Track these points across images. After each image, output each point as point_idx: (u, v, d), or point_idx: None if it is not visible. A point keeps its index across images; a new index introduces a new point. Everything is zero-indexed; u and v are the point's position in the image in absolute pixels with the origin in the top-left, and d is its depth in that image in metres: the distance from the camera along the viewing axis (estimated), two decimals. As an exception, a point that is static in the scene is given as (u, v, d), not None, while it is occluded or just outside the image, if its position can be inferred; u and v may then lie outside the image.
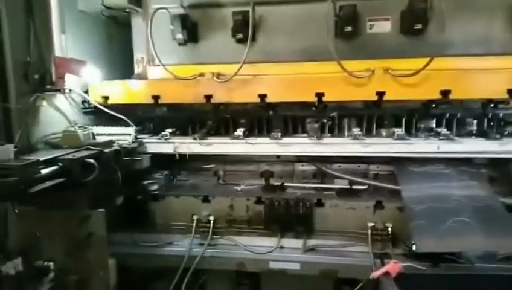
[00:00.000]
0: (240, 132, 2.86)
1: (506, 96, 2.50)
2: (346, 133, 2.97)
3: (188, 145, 2.87)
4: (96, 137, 2.64)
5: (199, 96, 2.83)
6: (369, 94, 2.63)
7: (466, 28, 2.67)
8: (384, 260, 2.39)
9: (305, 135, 2.93)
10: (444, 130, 2.68)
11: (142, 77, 3.12)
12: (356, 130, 2.75)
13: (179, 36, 2.89)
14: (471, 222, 2.26)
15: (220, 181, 3.13)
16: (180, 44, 2.97)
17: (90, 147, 2.29)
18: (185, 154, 2.90)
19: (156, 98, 2.87)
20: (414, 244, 2.20)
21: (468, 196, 2.45)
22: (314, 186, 2.92)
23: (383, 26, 2.75)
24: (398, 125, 2.88)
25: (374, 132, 2.97)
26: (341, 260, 2.55)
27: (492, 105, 2.78)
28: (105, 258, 2.21)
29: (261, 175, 3.03)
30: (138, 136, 2.91)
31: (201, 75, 2.85)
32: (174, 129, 3.00)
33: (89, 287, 2.19)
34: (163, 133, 2.91)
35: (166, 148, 2.90)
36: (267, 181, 2.97)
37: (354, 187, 2.84)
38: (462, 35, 2.68)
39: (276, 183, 2.96)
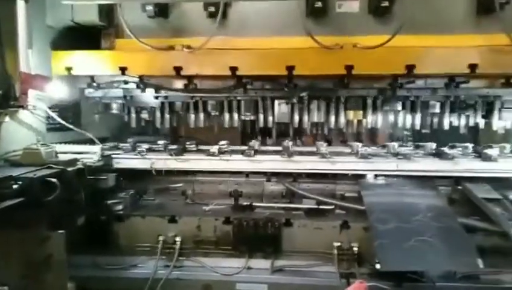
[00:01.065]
0: (214, 149, 2.89)
1: (468, 70, 2.66)
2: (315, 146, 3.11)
3: (165, 161, 2.86)
4: (59, 155, 2.55)
5: (169, 68, 2.82)
6: (338, 67, 2.73)
7: (430, 8, 2.83)
8: (350, 280, 2.42)
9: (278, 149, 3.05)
10: (402, 150, 2.86)
11: (110, 49, 3.09)
12: (323, 148, 2.85)
13: (149, 8, 2.87)
14: (432, 242, 2.33)
15: (188, 201, 3.08)
16: (150, 17, 2.95)
17: (52, 165, 2.21)
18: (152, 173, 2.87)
19: (123, 69, 2.83)
20: (378, 263, 2.23)
21: (430, 217, 2.53)
22: (283, 206, 2.93)
23: (351, 6, 2.88)
24: (365, 107, 3.01)
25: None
26: (308, 280, 2.55)
27: (454, 85, 2.93)
28: (64, 282, 2.10)
29: (230, 195, 3.02)
30: (112, 153, 2.88)
31: (171, 48, 2.85)
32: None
33: (45, 313, 2.07)
34: (139, 149, 2.86)
35: (142, 164, 2.86)
36: (236, 201, 2.96)
37: (321, 207, 2.87)
38: (426, 15, 2.83)
39: (245, 203, 2.95)
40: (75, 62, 2.92)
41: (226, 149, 3.12)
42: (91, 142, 2.86)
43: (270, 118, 3.30)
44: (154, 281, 2.53)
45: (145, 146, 2.94)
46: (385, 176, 2.88)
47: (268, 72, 2.90)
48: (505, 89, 3.00)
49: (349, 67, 2.70)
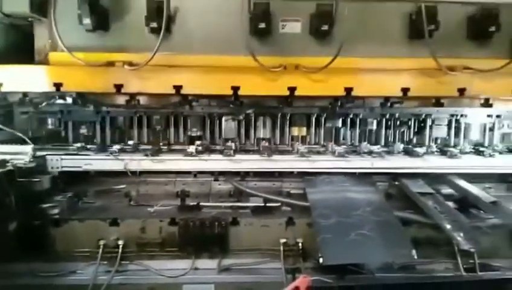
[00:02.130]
0: (192, 149, 2.84)
1: (401, 94, 2.85)
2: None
3: (139, 162, 2.74)
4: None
5: (108, 85, 2.71)
6: (281, 89, 2.80)
7: (367, 31, 2.97)
8: (296, 275, 2.46)
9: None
10: (376, 148, 3.02)
11: (44, 63, 2.89)
12: (302, 148, 2.93)
13: (87, 21, 2.73)
14: (371, 235, 2.45)
15: (132, 202, 2.97)
16: (88, 30, 2.81)
17: (-24, 167, 2.03)
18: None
19: (57, 85, 2.67)
20: (321, 257, 2.30)
21: (369, 211, 2.66)
22: (230, 205, 2.93)
23: (294, 27, 2.94)
24: (309, 124, 3.15)
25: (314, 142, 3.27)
26: (255, 277, 2.56)
27: (389, 105, 3.15)
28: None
29: (177, 195, 2.96)
30: (47, 153, 2.71)
31: (111, 64, 2.73)
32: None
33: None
34: (111, 149, 2.72)
35: (115, 165, 2.74)
36: (182, 201, 2.91)
37: (268, 205, 2.90)
38: (363, 38, 2.96)
39: (192, 203, 2.91)
40: (6, 77, 2.70)
41: (203, 149, 3.05)
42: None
43: (217, 134, 3.31)
44: (95, 288, 2.40)
45: (117, 146, 2.80)
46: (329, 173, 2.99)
47: (213, 92, 2.89)
48: (435, 107, 3.25)
49: (292, 89, 2.80)
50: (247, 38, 2.69)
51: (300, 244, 2.62)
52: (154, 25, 2.76)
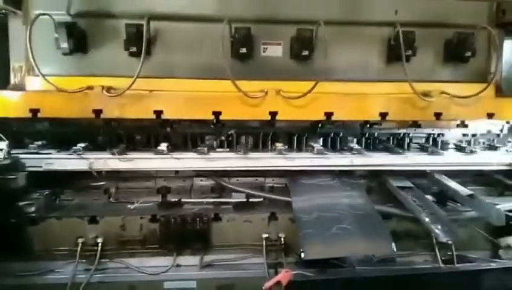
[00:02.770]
0: (163, 146, 2.76)
1: (379, 118, 2.89)
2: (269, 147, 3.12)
3: (106, 161, 2.66)
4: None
5: (87, 110, 2.64)
6: (263, 114, 2.79)
7: (347, 56, 2.98)
8: (278, 270, 2.47)
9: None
10: (356, 146, 3.03)
11: (20, 88, 2.79)
12: (280, 145, 2.90)
13: (64, 45, 2.65)
14: (352, 229, 2.47)
15: (111, 199, 2.91)
16: (65, 54, 2.73)
17: None
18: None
19: (34, 111, 2.59)
20: (303, 252, 2.31)
21: (350, 205, 2.69)
22: (212, 201, 2.91)
23: (275, 51, 2.93)
24: (290, 143, 3.11)
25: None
26: (237, 273, 2.57)
27: (368, 126, 3.18)
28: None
29: (158, 191, 2.92)
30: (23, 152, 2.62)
31: (90, 88, 2.66)
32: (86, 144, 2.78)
33: None
34: (75, 147, 2.64)
35: (79, 164, 2.64)
36: (163, 198, 2.88)
37: (250, 200, 2.90)
38: (343, 63, 2.97)
39: (173, 200, 2.88)
40: None
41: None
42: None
43: None
44: (73, 286, 2.36)
45: (81, 144, 2.71)
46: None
47: (194, 117, 2.84)
48: (412, 128, 3.28)
49: (274, 114, 2.79)
50: (229, 64, 2.65)
51: (282, 239, 2.63)
52: (133, 49, 2.70)
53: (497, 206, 2.60)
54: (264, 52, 2.92)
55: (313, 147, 2.98)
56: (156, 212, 2.66)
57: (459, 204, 2.94)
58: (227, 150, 3.00)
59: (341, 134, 3.20)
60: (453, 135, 3.45)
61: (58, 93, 2.60)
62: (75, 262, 2.45)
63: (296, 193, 2.80)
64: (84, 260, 2.50)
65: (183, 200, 2.87)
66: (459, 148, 3.31)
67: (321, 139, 3.22)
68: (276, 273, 2.43)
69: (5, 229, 2.45)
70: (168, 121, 2.88)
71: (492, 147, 3.42)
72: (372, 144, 3.32)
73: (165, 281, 2.50)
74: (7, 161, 2.46)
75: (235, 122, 2.99)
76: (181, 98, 2.75)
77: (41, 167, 2.66)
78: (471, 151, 3.17)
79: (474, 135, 3.48)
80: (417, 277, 2.56)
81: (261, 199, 2.91)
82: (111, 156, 2.71)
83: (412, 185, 3.03)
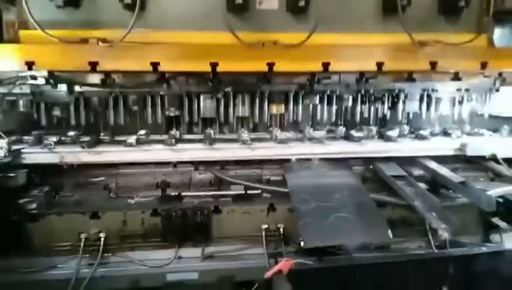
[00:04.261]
0: (132, 139, 2.77)
1: (376, 68, 2.93)
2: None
3: (76, 155, 2.67)
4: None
5: (83, 63, 2.63)
6: (260, 65, 2.80)
7: (343, 7, 3.02)
8: (278, 259, 2.54)
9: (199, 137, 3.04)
10: (316, 134, 3.08)
11: (12, 42, 2.78)
12: (245, 135, 2.92)
13: None
14: (349, 217, 2.55)
15: (112, 194, 2.94)
16: (58, 7, 2.72)
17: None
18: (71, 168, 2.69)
19: (30, 64, 2.58)
20: (302, 241, 2.38)
21: (346, 194, 2.76)
22: (211, 194, 2.95)
23: (271, 3, 2.95)
24: (287, 101, 3.17)
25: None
26: (238, 264, 2.63)
27: (364, 80, 3.21)
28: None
29: (157, 186, 2.96)
30: (21, 147, 2.62)
31: (85, 41, 2.65)
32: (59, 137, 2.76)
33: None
34: (46, 142, 2.64)
35: (50, 158, 2.64)
36: (163, 192, 2.91)
37: (249, 192, 2.95)
38: (339, 14, 3.01)
39: (173, 194, 2.91)
40: None
41: (145, 139, 3.00)
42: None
43: (196, 113, 3.24)
44: (77, 281, 2.39)
45: (53, 138, 2.71)
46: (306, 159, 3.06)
47: (191, 69, 2.84)
48: (407, 82, 3.33)
49: (271, 65, 2.79)
50: (224, 14, 2.67)
51: (281, 229, 2.70)
52: (128, 1, 2.70)
53: (488, 192, 2.69)
54: (260, 5, 2.93)
55: (276, 136, 3.01)
56: (156, 206, 2.70)
57: (450, 191, 3.03)
58: (195, 140, 3.02)
59: (337, 91, 3.24)
60: (446, 90, 3.45)
61: (54, 46, 2.59)
62: (78, 257, 2.49)
63: (294, 183, 2.86)
64: (87, 255, 2.53)
65: (183, 193, 2.90)
66: (416, 136, 3.32)
67: (317, 96, 3.26)
68: (276, 262, 2.49)
69: (8, 226, 2.48)
70: (165, 76, 2.88)
71: (446, 133, 3.43)
72: (368, 101, 3.36)
73: (168, 273, 2.55)
74: (8, 159, 2.46)
75: (231, 79, 3.01)
76: (178, 50, 2.76)
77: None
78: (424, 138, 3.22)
79: (467, 90, 3.47)
80: (411, 263, 2.65)
81: (259, 191, 2.96)
82: (81, 149, 2.73)
83: (404, 173, 3.11)
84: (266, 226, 2.70)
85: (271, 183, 3.11)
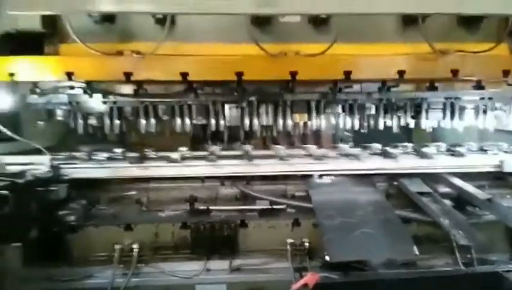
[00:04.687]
0: (176, 155, 2.95)
1: (397, 76, 2.98)
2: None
3: (125, 170, 2.83)
4: (6, 167, 2.47)
5: (118, 73, 2.82)
6: (283, 74, 2.91)
7: (364, 18, 3.08)
8: (303, 273, 2.59)
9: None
10: (351, 151, 3.15)
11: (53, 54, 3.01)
12: (282, 151, 3.06)
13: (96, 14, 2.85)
14: (374, 233, 2.58)
15: (143, 208, 3.08)
16: (96, 22, 2.93)
17: (2, 178, 2.14)
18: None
19: (69, 74, 2.79)
20: (327, 255, 2.43)
21: (371, 211, 2.80)
22: (237, 209, 3.04)
23: (293, 16, 3.05)
24: (309, 110, 3.28)
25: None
26: (265, 277, 2.67)
27: (386, 89, 3.28)
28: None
29: (186, 200, 3.07)
30: (61, 163, 2.83)
31: (120, 53, 2.85)
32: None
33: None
34: (97, 157, 2.83)
35: (101, 173, 2.84)
36: (191, 206, 3.03)
37: (274, 207, 3.02)
38: (360, 25, 3.08)
39: (201, 207, 3.02)
40: (18, 68, 2.82)
41: (187, 155, 3.15)
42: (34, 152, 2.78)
43: (222, 122, 3.40)
44: (112, 290, 2.53)
45: (103, 154, 2.90)
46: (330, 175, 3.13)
47: (218, 78, 3.00)
48: (429, 92, 3.38)
49: (294, 74, 2.89)
50: (248, 27, 2.80)
51: (306, 244, 2.75)
52: (159, 16, 2.88)
53: (516, 210, 2.68)
54: (282, 17, 3.03)
55: (311, 154, 3.14)
56: (186, 220, 2.82)
57: (477, 208, 3.02)
58: (233, 156, 3.17)
59: (359, 100, 3.30)
60: (469, 99, 3.46)
61: (91, 57, 2.80)
62: (112, 268, 2.62)
63: (318, 199, 2.92)
64: (121, 265, 2.66)
65: (210, 207, 3.01)
66: (452, 153, 3.34)
67: (339, 106, 3.34)
68: (301, 276, 2.54)
69: (49, 237, 2.65)
70: (193, 86, 3.04)
71: (481, 150, 3.44)
72: (390, 110, 3.40)
73: (197, 284, 2.64)
74: (50, 174, 2.64)
75: (255, 89, 3.14)
76: (205, 60, 2.92)
77: (67, 175, 2.87)
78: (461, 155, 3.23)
79: (490, 98, 3.47)
80: (438, 279, 2.64)
81: (284, 206, 3.04)
82: (129, 165, 2.90)
83: (430, 190, 3.12)
84: (291, 240, 2.77)
85: (295, 198, 3.18)
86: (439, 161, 3.19)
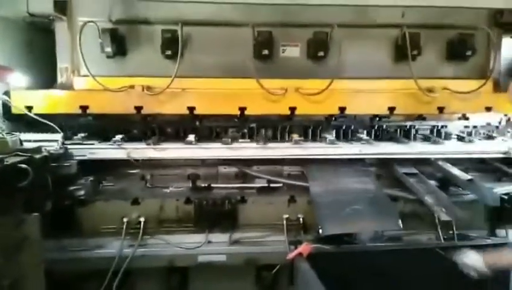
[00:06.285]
0: (192, 137, 3.08)
1: (388, 112, 3.19)
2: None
3: (142, 151, 3.00)
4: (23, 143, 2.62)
5: (129, 107, 2.99)
6: (283, 109, 3.11)
7: (358, 55, 3.26)
8: (298, 246, 2.80)
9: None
10: (364, 136, 3.31)
11: (66, 86, 3.13)
12: (296, 136, 3.19)
13: (108, 49, 2.99)
14: (363, 209, 2.80)
15: (148, 185, 3.25)
16: (108, 57, 3.07)
17: (20, 153, 2.30)
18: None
19: (84, 108, 2.94)
20: (320, 229, 2.65)
21: (361, 189, 3.02)
22: (237, 186, 3.24)
23: (293, 51, 3.23)
24: (306, 135, 3.41)
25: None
26: (261, 249, 2.91)
27: (378, 119, 3.49)
28: (39, 262, 2.24)
29: (188, 177, 3.24)
30: (72, 142, 2.97)
31: (131, 87, 3.01)
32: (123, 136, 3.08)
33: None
34: (114, 139, 2.98)
35: (118, 154, 2.98)
36: (194, 183, 3.21)
37: (271, 185, 3.23)
38: (355, 62, 3.24)
39: (203, 185, 3.21)
40: (35, 101, 2.95)
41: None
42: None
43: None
44: (120, 259, 2.72)
45: (119, 136, 3.04)
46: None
47: (222, 112, 3.17)
48: (418, 121, 3.58)
49: (293, 109, 3.10)
50: (252, 65, 2.97)
51: (301, 219, 2.98)
52: (169, 52, 3.03)
53: (494, 190, 2.91)
54: (283, 52, 3.22)
55: (326, 138, 3.28)
56: (189, 196, 3.02)
57: (460, 188, 3.25)
58: (249, 140, 3.30)
59: (352, 126, 3.50)
60: (455, 126, 3.73)
61: (103, 91, 2.94)
62: (120, 239, 2.82)
63: (313, 178, 3.12)
64: (128, 237, 2.86)
65: (212, 185, 3.20)
66: (460, 139, 3.57)
67: (334, 131, 3.52)
68: (296, 248, 2.76)
69: (60, 210, 2.82)
70: (198, 116, 3.21)
71: (490, 137, 3.69)
72: (381, 135, 3.62)
73: (199, 255, 2.85)
74: (61, 151, 2.80)
75: (256, 117, 3.30)
76: (211, 95, 3.08)
77: (85, 155, 2.99)
78: (470, 141, 3.45)
79: (475, 127, 3.75)
80: (419, 251, 2.86)
81: (281, 185, 3.24)
82: (146, 146, 3.04)
83: (416, 171, 3.34)
84: (287, 216, 2.99)
85: (291, 177, 3.37)
86: (449, 147, 3.38)
